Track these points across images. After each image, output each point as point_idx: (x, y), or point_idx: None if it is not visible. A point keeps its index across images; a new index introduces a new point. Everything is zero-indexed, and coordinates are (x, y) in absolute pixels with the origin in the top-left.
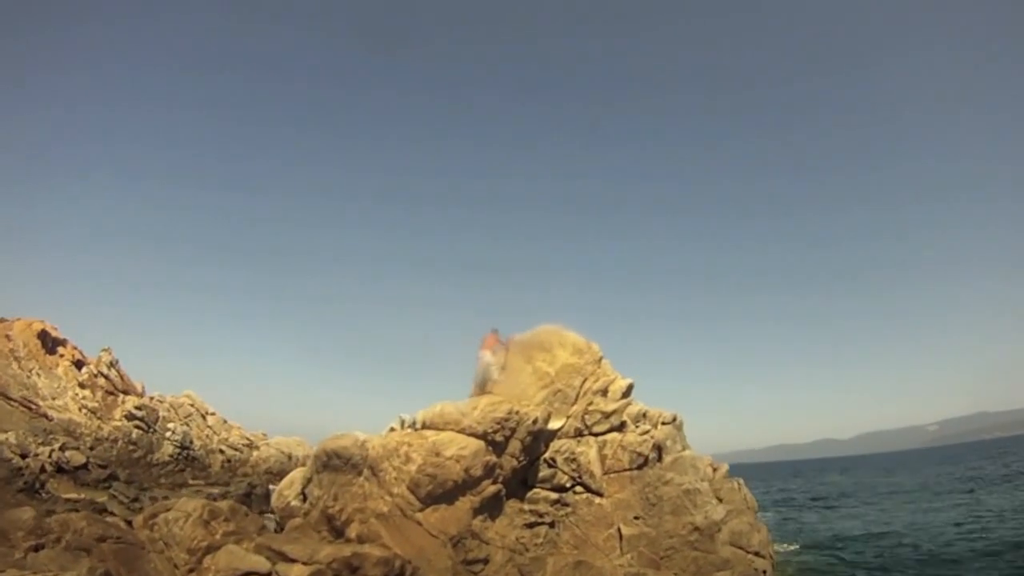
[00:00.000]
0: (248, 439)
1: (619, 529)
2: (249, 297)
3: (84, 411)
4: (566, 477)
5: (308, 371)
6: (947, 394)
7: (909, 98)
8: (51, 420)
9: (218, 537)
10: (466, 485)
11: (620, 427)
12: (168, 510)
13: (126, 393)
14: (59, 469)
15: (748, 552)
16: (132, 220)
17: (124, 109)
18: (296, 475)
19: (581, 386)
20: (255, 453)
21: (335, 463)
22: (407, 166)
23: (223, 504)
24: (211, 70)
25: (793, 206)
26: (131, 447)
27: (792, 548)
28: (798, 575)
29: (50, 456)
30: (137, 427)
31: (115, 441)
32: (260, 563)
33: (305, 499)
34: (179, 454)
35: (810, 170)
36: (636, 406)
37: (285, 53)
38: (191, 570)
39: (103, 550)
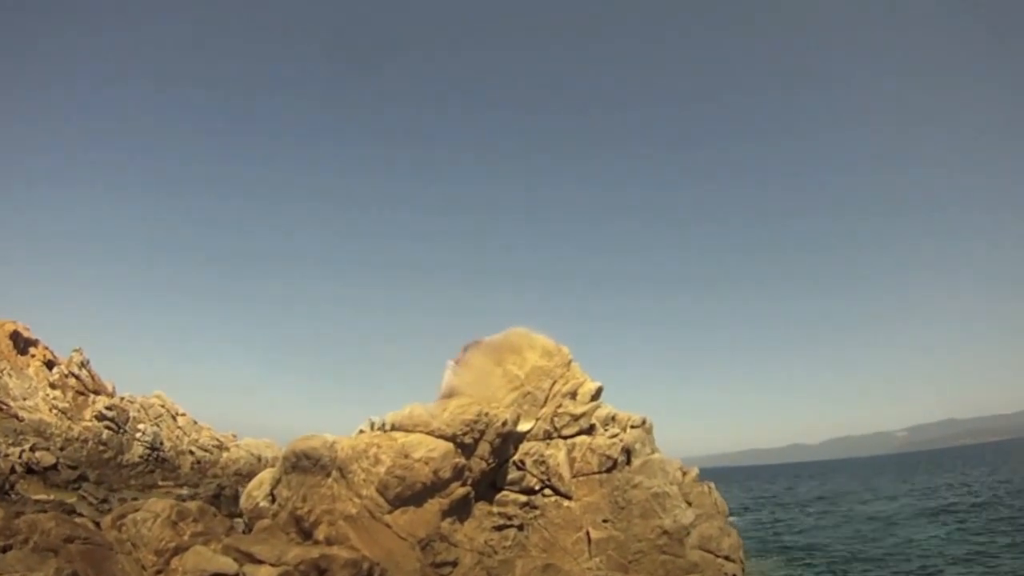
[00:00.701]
0: (218, 440)
1: (588, 532)
2: (220, 299)
3: (55, 411)
4: (535, 480)
5: (279, 373)
6: (916, 401)
7: (876, 108)
8: (22, 420)
9: (186, 538)
10: (435, 487)
11: (589, 430)
12: (136, 511)
13: (96, 393)
14: (29, 470)
15: (718, 556)
16: (103, 224)
17: (110, 114)
18: (265, 476)
19: (550, 389)
20: (225, 454)
21: (304, 464)
22: (378, 168)
23: (191, 505)
24: (191, 76)
25: (764, 211)
26: (101, 448)
27: (764, 554)
28: None
29: (20, 457)
30: (107, 428)
31: (85, 442)
32: (228, 564)
33: (274, 500)
34: (149, 455)
35: (783, 176)
36: (605, 409)
37: (263, 58)
38: (159, 571)
39: (71, 551)
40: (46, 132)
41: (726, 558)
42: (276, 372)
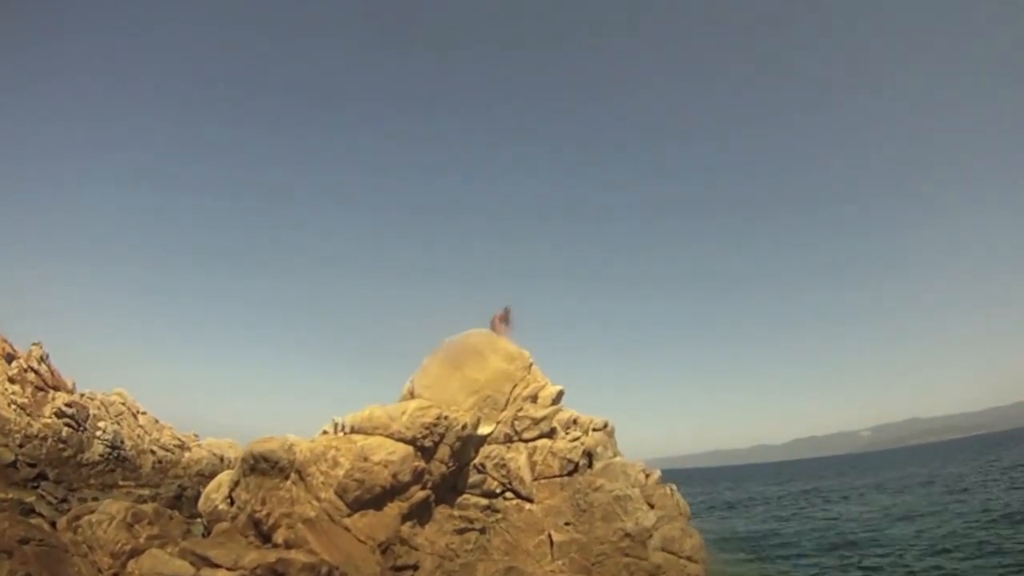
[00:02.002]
0: (180, 440)
1: (550, 535)
2: (186, 298)
3: (13, 407)
4: (496, 483)
5: (243, 372)
6: (880, 400)
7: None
8: None
9: (142, 541)
10: (395, 490)
11: (550, 433)
12: (92, 512)
13: (56, 389)
14: None
15: (680, 557)
16: (69, 221)
17: (113, 116)
18: (223, 478)
19: (511, 392)
20: (187, 454)
21: (262, 467)
22: (344, 170)
23: (147, 507)
24: (199, 77)
25: (733, 211)
26: (61, 446)
27: (728, 554)
28: None
29: None
30: (67, 425)
31: (44, 439)
32: (184, 568)
33: (233, 503)
34: (109, 454)
35: (753, 175)
36: (566, 412)
37: (267, 63)
38: (114, 574)
39: (25, 553)
40: (44, 132)
41: (688, 559)
42: (241, 371)
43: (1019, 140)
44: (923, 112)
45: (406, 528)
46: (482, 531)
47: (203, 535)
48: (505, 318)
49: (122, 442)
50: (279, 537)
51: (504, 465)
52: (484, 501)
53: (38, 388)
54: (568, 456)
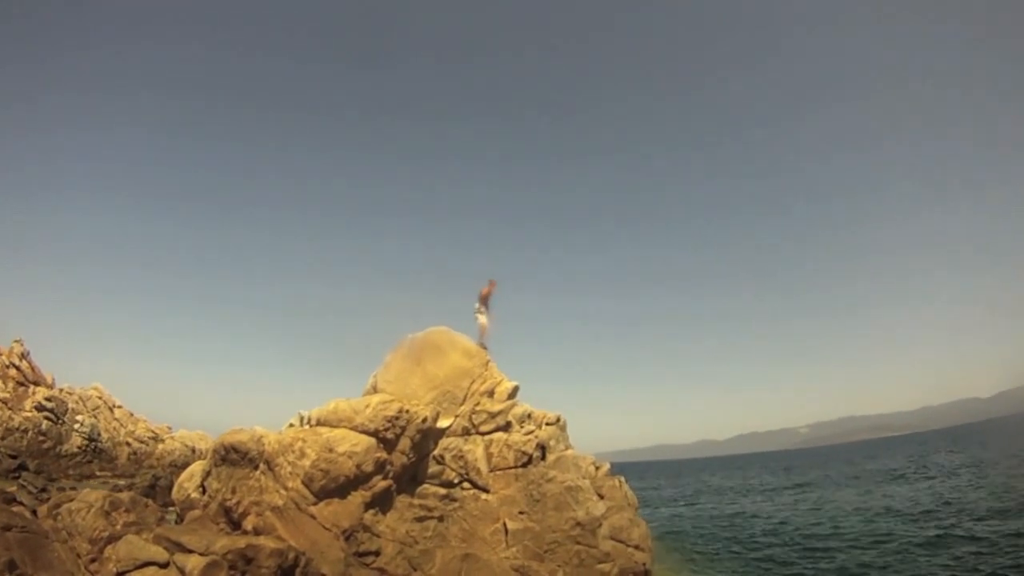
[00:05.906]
0: (153, 432)
1: (505, 524)
2: (161, 300)
3: None
4: (454, 474)
5: (214, 368)
6: (818, 399)
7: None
8: None
9: (119, 528)
10: (358, 480)
11: (506, 427)
12: (71, 500)
13: (36, 384)
14: None
15: (628, 546)
16: (50, 224)
17: (109, 124)
18: (196, 468)
19: (469, 387)
20: (160, 446)
21: (233, 457)
22: (312, 177)
23: (124, 495)
24: (190, 88)
25: (687, 210)
26: (41, 438)
27: (672, 542)
28: (677, 567)
29: None
30: (47, 418)
31: (25, 431)
32: (159, 553)
33: (204, 491)
34: (87, 446)
35: (686, 177)
36: (521, 407)
37: (263, 73)
38: (93, 559)
39: (8, 539)
40: (45, 138)
41: (636, 547)
42: (218, 367)
43: (948, 141)
44: (848, 119)
45: (369, 516)
46: (440, 519)
47: (176, 522)
48: (490, 291)
49: (99, 434)
50: (248, 524)
51: (462, 457)
52: (443, 491)
53: (19, 383)
54: (522, 449)
